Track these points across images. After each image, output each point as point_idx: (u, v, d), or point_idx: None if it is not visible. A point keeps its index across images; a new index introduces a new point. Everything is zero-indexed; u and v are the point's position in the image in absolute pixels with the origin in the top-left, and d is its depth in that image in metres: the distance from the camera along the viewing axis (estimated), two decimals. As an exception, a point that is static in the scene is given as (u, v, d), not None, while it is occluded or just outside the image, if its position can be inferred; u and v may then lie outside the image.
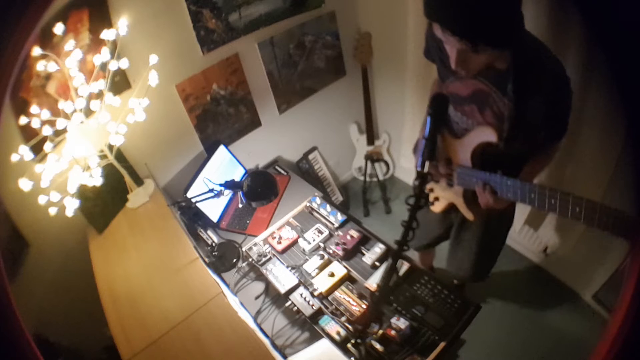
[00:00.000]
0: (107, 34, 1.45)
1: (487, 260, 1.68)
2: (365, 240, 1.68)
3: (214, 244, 1.81)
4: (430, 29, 1.26)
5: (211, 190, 1.54)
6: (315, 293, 1.50)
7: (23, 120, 1.38)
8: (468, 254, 1.62)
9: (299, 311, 1.48)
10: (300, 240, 1.71)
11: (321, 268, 1.58)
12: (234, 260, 1.75)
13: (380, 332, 1.35)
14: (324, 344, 1.36)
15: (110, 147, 1.65)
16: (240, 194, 1.54)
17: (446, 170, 1.34)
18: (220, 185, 1.53)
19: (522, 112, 1.08)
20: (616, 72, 0.58)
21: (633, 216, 0.79)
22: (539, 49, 1.07)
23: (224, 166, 2.01)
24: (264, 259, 1.67)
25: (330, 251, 1.64)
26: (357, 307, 1.45)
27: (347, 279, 1.56)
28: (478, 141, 1.20)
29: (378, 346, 1.32)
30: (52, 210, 1.46)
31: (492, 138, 1.15)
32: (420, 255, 2.16)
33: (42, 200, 1.42)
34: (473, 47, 0.95)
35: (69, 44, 1.40)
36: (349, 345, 1.32)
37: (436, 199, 1.48)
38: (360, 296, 1.48)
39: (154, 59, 1.55)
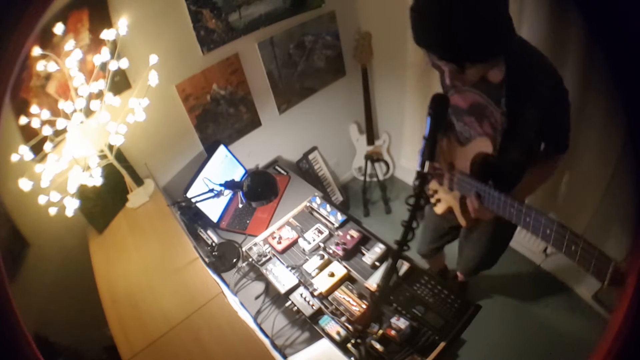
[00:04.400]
0: (107, 34, 1.45)
1: (494, 256, 1.73)
2: (365, 240, 1.68)
3: (214, 244, 1.81)
4: None
5: (211, 190, 1.54)
6: (315, 293, 1.50)
7: (23, 120, 1.38)
8: (478, 251, 1.66)
9: (299, 311, 1.48)
10: (300, 240, 1.71)
11: (321, 268, 1.58)
12: (234, 260, 1.75)
13: (380, 332, 1.35)
14: (324, 344, 1.36)
15: (110, 147, 1.65)
16: (240, 194, 1.54)
17: (449, 174, 1.35)
18: (220, 185, 1.53)
19: (515, 125, 1.09)
20: (616, 73, 0.58)
21: (601, 251, 0.78)
22: (534, 59, 1.06)
23: (224, 166, 2.01)
24: (264, 259, 1.67)
25: (330, 251, 1.64)
26: (357, 307, 1.45)
27: (347, 279, 1.56)
28: (476, 151, 1.22)
29: (378, 346, 1.32)
30: (52, 210, 1.46)
31: (488, 149, 1.17)
32: (431, 260, 2.16)
33: (42, 200, 1.42)
34: (460, 68, 0.99)
35: (69, 44, 1.40)
36: (349, 345, 1.33)
37: (438, 200, 1.49)
38: (360, 296, 1.48)
39: (154, 59, 1.55)
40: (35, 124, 1.40)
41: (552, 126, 1.11)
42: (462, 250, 1.79)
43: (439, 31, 0.93)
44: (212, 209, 1.92)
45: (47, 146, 1.42)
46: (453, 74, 1.03)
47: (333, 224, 1.76)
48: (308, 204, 1.88)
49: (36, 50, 1.31)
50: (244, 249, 1.75)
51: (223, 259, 1.76)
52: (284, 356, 1.37)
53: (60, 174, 1.47)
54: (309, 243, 1.68)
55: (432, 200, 1.50)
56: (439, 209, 1.51)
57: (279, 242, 1.72)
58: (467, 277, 2.08)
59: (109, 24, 1.51)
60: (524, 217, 0.98)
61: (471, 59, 0.97)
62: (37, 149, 1.40)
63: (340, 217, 1.77)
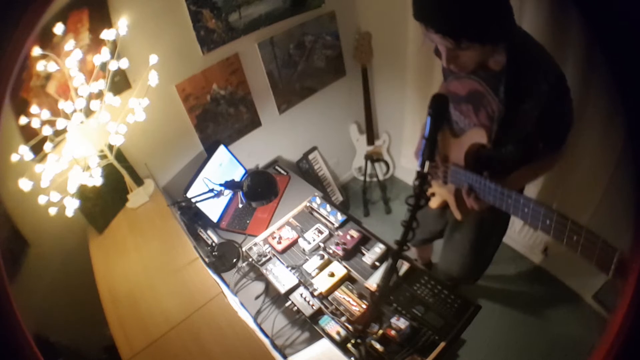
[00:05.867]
0: (107, 34, 1.45)
1: (477, 262, 1.66)
2: (365, 240, 1.68)
3: (214, 244, 1.81)
4: None
5: (211, 190, 1.54)
6: (315, 293, 1.50)
7: (23, 120, 1.37)
8: (459, 254, 1.62)
9: (299, 311, 1.48)
10: (300, 240, 1.71)
11: (321, 268, 1.58)
12: (234, 260, 1.75)
13: (380, 332, 1.35)
14: (324, 344, 1.36)
15: (110, 147, 1.65)
16: (240, 194, 1.54)
17: (443, 167, 1.35)
18: (220, 185, 1.53)
19: (512, 116, 1.08)
20: (616, 73, 0.58)
21: (605, 240, 0.75)
22: (536, 52, 1.05)
23: (224, 166, 2.01)
24: (264, 259, 1.67)
25: (330, 251, 1.64)
26: (357, 307, 1.45)
27: (347, 279, 1.56)
28: (471, 142, 1.22)
29: (378, 346, 1.32)
30: (52, 210, 1.46)
31: (482, 140, 1.16)
32: (418, 250, 2.17)
33: (42, 200, 1.42)
34: (456, 44, 0.98)
35: (69, 44, 1.40)
36: (349, 345, 1.33)
37: (432, 194, 1.50)
38: (360, 296, 1.48)
39: (154, 59, 1.55)
40: (35, 124, 1.40)
41: (548, 122, 1.10)
42: (445, 252, 1.73)
43: (437, 3, 0.95)
44: (212, 209, 1.92)
45: (47, 146, 1.42)
46: (450, 55, 1.02)
47: (333, 224, 1.76)
48: (308, 204, 1.88)
49: (36, 50, 1.31)
50: (244, 249, 1.75)
51: (223, 259, 1.76)
52: (284, 356, 1.37)
53: (60, 174, 1.47)
54: (309, 243, 1.68)
55: (427, 193, 1.49)
56: (434, 203, 1.50)
57: (279, 242, 1.72)
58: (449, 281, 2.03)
59: (109, 24, 1.51)
60: (522, 207, 0.96)
61: (467, 34, 0.96)
62: (37, 149, 1.40)
63: (340, 217, 1.77)
